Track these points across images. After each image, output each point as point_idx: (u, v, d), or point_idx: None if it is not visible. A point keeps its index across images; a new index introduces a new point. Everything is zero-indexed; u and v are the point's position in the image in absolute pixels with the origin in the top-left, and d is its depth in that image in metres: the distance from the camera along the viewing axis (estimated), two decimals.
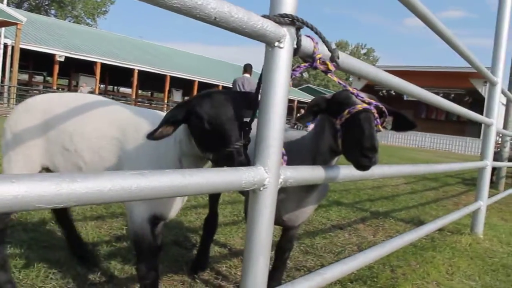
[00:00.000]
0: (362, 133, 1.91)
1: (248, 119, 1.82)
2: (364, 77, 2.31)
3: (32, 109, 2.56)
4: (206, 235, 3.44)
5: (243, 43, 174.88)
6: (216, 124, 1.77)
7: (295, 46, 1.56)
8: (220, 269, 3.48)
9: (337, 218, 5.83)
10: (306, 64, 1.76)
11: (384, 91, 34.39)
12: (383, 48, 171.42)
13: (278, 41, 1.48)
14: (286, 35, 1.50)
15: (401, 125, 2.27)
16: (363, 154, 1.90)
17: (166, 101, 36.10)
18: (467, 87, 32.87)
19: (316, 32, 1.67)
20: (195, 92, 32.01)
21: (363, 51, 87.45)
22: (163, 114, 2.04)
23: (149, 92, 50.37)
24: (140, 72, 33.76)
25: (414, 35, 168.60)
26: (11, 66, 26.21)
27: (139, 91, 41.53)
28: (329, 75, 1.83)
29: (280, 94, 1.51)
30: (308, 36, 1.68)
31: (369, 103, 1.97)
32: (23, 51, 26.48)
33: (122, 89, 48.40)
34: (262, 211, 1.54)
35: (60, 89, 35.14)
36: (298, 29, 1.55)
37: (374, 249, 2.82)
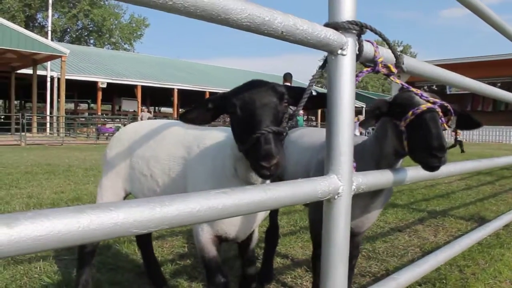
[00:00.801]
0: (429, 133, 1.88)
1: (285, 111, 1.70)
2: (421, 76, 2.27)
3: (122, 138, 2.79)
4: (269, 247, 3.44)
5: (279, 52, 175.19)
6: (247, 109, 1.66)
7: (357, 52, 1.55)
8: (285, 280, 3.47)
9: (395, 220, 5.71)
10: (369, 69, 1.75)
11: (425, 87, 33.58)
12: (420, 43, 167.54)
13: (341, 48, 1.48)
14: (348, 42, 1.49)
15: (465, 123, 2.23)
16: (432, 155, 1.87)
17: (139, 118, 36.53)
18: None
19: (384, 38, 1.66)
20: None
21: (399, 48, 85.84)
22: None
23: None
24: (179, 91, 34.44)
25: (451, 26, 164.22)
26: (58, 97, 27.38)
27: (180, 110, 42.28)
28: (391, 77, 1.81)
29: (346, 101, 1.50)
30: (368, 41, 1.67)
31: (433, 102, 1.93)
32: (68, 82, 27.60)
33: (163, 109, 49.52)
34: (338, 219, 1.53)
35: (104, 115, 36.34)
36: (359, 35, 1.54)
37: (443, 250, 2.75)
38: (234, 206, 1.16)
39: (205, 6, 1.03)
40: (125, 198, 2.79)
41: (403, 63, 1.74)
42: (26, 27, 43.03)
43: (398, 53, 1.74)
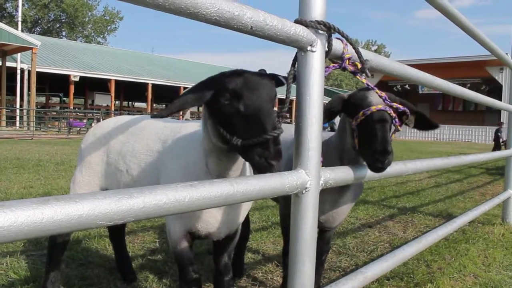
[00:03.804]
0: (375, 136, 1.96)
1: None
2: (391, 74, 2.32)
3: (98, 133, 2.73)
4: (240, 242, 3.45)
5: (254, 49, 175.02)
6: (254, 107, 1.53)
7: (326, 49, 1.58)
8: (256, 275, 3.49)
9: (365, 216, 5.80)
10: (336, 65, 1.77)
11: (398, 86, 34.17)
12: (394, 43, 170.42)
13: (311, 45, 1.50)
14: (318, 39, 1.52)
15: (423, 124, 2.31)
16: (375, 158, 1.95)
17: (181, 113, 36.35)
18: (483, 76, 32.52)
19: (350, 42, 1.68)
20: None
21: (373, 48, 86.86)
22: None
23: (164, 105, 50.76)
24: (154, 86, 34.08)
25: (425, 27, 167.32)
26: (29, 89, 26.75)
27: (154, 105, 41.87)
28: (357, 76, 1.84)
29: (315, 97, 1.52)
30: (338, 38, 1.69)
31: (388, 104, 1.99)
32: (39, 74, 27.00)
33: (137, 104, 48.98)
34: (305, 214, 1.55)
35: (76, 109, 35.71)
36: (329, 34, 1.57)
37: (410, 244, 2.81)
38: (201, 199, 1.16)
39: None
40: None
41: (368, 68, 1.77)
42: None
43: (364, 59, 1.76)
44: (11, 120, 27.02)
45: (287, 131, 2.98)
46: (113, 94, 32.87)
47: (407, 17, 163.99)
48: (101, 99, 34.55)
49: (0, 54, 25.50)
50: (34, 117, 25.80)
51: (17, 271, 3.34)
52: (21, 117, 27.13)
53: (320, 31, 1.53)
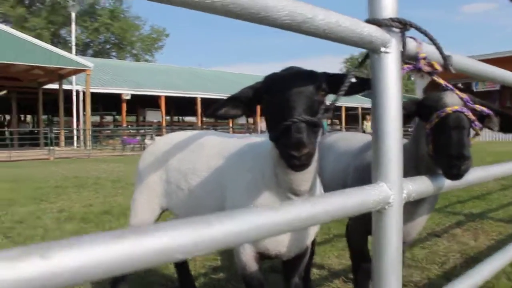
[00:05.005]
0: (449, 139, 1.79)
1: (321, 101, 1.62)
2: (465, 72, 2.13)
3: (156, 151, 2.70)
4: None
5: (302, 56, 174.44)
6: (280, 96, 1.57)
7: (402, 50, 1.44)
8: None
9: (431, 225, 5.49)
10: (410, 66, 1.62)
11: (458, 85, 32.85)
12: (443, 41, 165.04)
13: (384, 46, 1.37)
14: (392, 39, 1.38)
15: (509, 126, 2.09)
16: (450, 163, 1.76)
17: (231, 125, 36.66)
18: None
19: (430, 38, 1.54)
20: (259, 113, 32.28)
21: None
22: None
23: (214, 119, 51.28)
24: (203, 99, 34.56)
25: (475, 22, 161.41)
26: (84, 110, 27.83)
27: (204, 119, 42.45)
28: (434, 77, 1.68)
29: (394, 103, 1.39)
30: (411, 37, 1.55)
31: (470, 106, 1.81)
32: (93, 95, 28.02)
33: (187, 118, 49.85)
34: (389, 231, 1.41)
35: (129, 126, 36.75)
36: (403, 33, 1.43)
37: (495, 257, 2.58)
38: (283, 223, 1.05)
39: (245, 4, 0.95)
40: (160, 214, 2.70)
41: (451, 65, 1.61)
42: (51, 43, 43.99)
43: (447, 54, 1.61)
44: (68, 140, 28.15)
45: (353, 140, 2.85)
46: (163, 110, 33.60)
47: (454, 14, 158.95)
48: (152, 115, 35.43)
49: (57, 77, 26.68)
50: (90, 136, 26.76)
51: None
52: (77, 137, 28.23)
53: (394, 30, 1.40)
